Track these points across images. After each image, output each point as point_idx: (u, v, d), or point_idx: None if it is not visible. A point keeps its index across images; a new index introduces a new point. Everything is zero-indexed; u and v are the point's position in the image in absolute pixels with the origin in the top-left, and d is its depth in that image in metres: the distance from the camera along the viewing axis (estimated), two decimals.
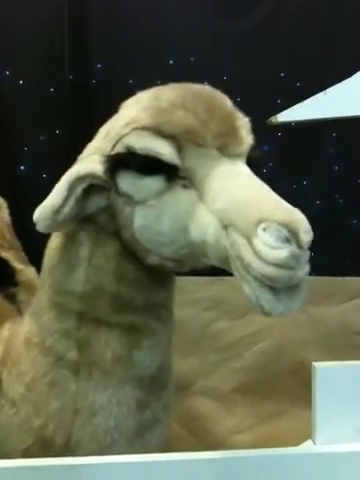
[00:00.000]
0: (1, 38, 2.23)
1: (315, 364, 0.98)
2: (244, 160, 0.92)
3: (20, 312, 1.25)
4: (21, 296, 1.32)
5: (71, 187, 0.92)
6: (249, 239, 0.78)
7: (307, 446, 1.00)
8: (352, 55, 2.24)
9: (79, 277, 0.96)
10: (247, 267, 0.78)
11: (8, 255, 1.51)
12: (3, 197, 1.74)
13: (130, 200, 0.90)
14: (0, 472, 0.87)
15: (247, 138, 0.93)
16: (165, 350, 1.03)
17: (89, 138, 2.30)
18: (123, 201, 0.91)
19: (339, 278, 2.47)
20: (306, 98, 2.25)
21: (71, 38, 2.24)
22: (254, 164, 0.95)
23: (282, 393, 2.50)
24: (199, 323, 2.60)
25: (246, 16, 2.29)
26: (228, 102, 0.95)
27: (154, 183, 0.87)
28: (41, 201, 2.45)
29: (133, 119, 0.91)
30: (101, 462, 0.87)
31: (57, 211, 0.91)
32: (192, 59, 2.33)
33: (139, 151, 0.88)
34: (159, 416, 1.02)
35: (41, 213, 0.92)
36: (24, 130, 2.32)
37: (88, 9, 2.21)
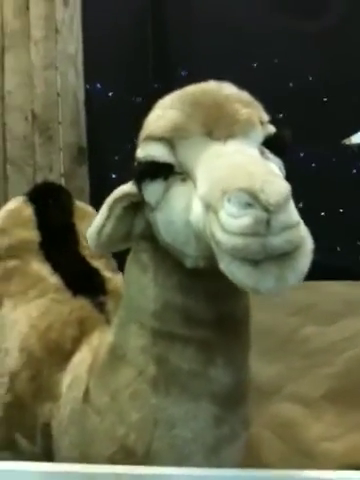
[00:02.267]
0: (92, 53, 2.34)
1: None
2: (245, 140, 0.87)
3: (108, 321, 1.31)
4: (110, 305, 1.38)
5: (110, 208, 0.97)
6: (216, 214, 0.75)
7: None
8: None
9: (149, 296, 0.99)
10: (218, 244, 0.75)
11: (99, 264, 1.58)
12: (97, 205, 1.83)
13: (151, 208, 0.93)
14: (88, 476, 0.93)
15: (244, 117, 0.87)
16: (241, 365, 1.03)
17: None
18: (149, 211, 0.94)
19: None
20: None
21: (155, 48, 2.29)
22: (279, 146, 0.92)
23: None
24: (286, 328, 2.56)
25: (329, 14, 2.23)
26: (225, 90, 0.93)
27: (158, 185, 0.89)
28: None
29: (141, 133, 0.96)
30: (181, 473, 0.91)
31: (99, 231, 0.97)
32: (276, 61, 2.31)
33: (142, 160, 0.91)
34: (237, 431, 1.03)
35: (89, 235, 1.00)
36: (114, 140, 2.42)
37: (171, 18, 2.26)
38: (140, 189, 0.93)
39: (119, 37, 2.32)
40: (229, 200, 0.73)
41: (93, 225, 1.00)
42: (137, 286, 1.02)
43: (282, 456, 2.19)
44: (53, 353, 1.26)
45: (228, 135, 0.87)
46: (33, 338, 1.31)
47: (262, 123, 0.92)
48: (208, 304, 0.97)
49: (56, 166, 2.39)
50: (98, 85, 2.38)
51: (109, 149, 2.43)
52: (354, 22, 2.23)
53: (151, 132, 0.91)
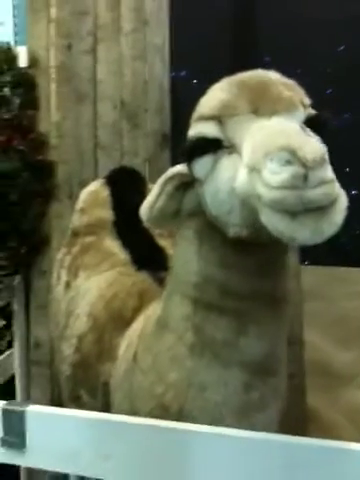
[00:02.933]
0: (178, 42, 2.44)
1: None
2: (288, 117, 0.94)
3: None
4: None
5: (162, 186, 1.07)
6: (259, 172, 0.82)
7: None
8: None
9: (192, 268, 1.08)
10: (260, 199, 0.82)
11: (166, 243, 1.69)
12: None
13: (201, 183, 1.00)
14: (130, 426, 1.05)
15: (286, 96, 0.95)
16: (274, 339, 1.08)
17: None
18: (198, 186, 1.02)
19: None
20: None
21: (239, 34, 2.34)
22: (319, 127, 0.96)
23: None
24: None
25: None
26: (270, 75, 1.01)
27: (207, 159, 0.97)
28: None
29: (193, 117, 1.05)
30: (207, 431, 1.00)
31: (151, 207, 1.07)
32: None
33: (192, 138, 1.00)
34: (267, 399, 1.09)
35: (142, 209, 1.10)
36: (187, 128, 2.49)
37: (255, 7, 2.29)
38: (190, 167, 1.02)
39: (204, 27, 2.40)
40: (271, 160, 0.81)
41: (146, 201, 1.10)
42: (182, 260, 1.12)
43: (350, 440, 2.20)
44: (115, 320, 1.40)
45: (272, 112, 0.94)
46: (100, 305, 1.46)
47: (304, 106, 0.99)
48: (245, 279, 1.05)
49: (141, 151, 2.53)
50: (183, 73, 2.48)
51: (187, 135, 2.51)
52: None
53: (201, 113, 1.02)
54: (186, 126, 2.55)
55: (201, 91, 2.52)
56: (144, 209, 1.09)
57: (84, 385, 1.43)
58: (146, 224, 1.10)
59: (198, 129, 1.00)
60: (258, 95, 0.95)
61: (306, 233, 0.80)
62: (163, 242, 1.69)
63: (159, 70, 2.51)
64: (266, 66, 2.37)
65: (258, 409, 1.08)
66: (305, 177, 0.78)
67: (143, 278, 1.47)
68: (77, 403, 1.42)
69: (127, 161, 2.51)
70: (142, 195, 1.87)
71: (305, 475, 0.94)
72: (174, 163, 2.56)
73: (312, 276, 2.30)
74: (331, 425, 2.32)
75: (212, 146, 0.96)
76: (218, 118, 0.96)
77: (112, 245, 1.66)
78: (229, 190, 0.94)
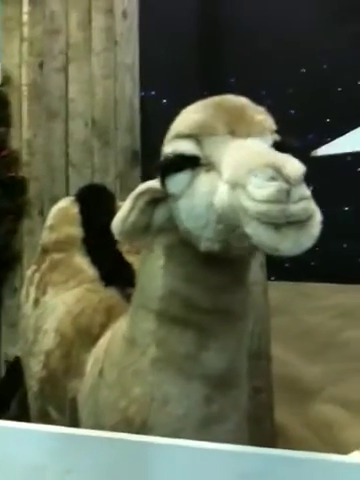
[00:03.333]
0: (148, 63, 2.49)
1: None
2: (260, 140, 1.00)
3: None
4: None
5: (134, 200, 1.10)
6: (244, 188, 0.87)
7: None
8: None
9: (157, 283, 1.11)
10: (246, 212, 0.87)
11: (134, 259, 1.72)
12: None
13: (175, 197, 1.04)
14: (93, 440, 1.07)
15: (259, 120, 1.02)
16: (233, 353, 1.12)
17: None
18: (172, 201, 1.06)
19: None
20: None
21: (206, 57, 2.41)
22: (284, 151, 0.99)
23: None
24: (327, 330, 2.58)
25: None
26: (241, 100, 1.06)
27: (184, 176, 1.01)
28: None
29: (168, 135, 1.09)
30: (169, 443, 1.02)
31: (123, 220, 1.09)
32: (325, 66, 2.36)
33: (169, 154, 1.03)
34: (226, 412, 1.12)
35: (113, 224, 1.12)
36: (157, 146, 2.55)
37: (222, 29, 2.36)
38: (164, 183, 1.05)
39: (173, 48, 2.46)
40: (256, 175, 0.86)
41: (118, 215, 1.12)
42: (149, 274, 1.15)
43: None
44: (82, 336, 1.41)
45: (247, 134, 1.01)
46: (67, 322, 1.47)
47: (271, 131, 1.05)
48: (208, 294, 1.09)
49: (112, 168, 2.57)
50: (152, 93, 2.53)
51: (161, 153, 2.56)
52: None
53: (178, 131, 1.05)
54: (156, 144, 2.60)
55: (170, 110, 2.58)
56: (116, 223, 1.11)
57: (52, 401, 1.44)
58: (117, 238, 1.12)
59: (175, 147, 1.04)
60: (234, 118, 1.02)
61: (288, 244, 0.85)
62: (131, 258, 1.71)
63: (129, 89, 2.56)
64: (231, 87, 2.45)
65: (218, 421, 1.11)
66: (288, 193, 0.84)
67: (110, 294, 1.49)
68: (45, 420, 1.43)
69: (98, 178, 2.55)
70: (111, 212, 1.90)
71: None
72: (144, 180, 2.60)
73: (277, 291, 2.36)
74: (299, 440, 2.36)
75: (190, 163, 1.01)
76: (195, 137, 1.01)
77: (81, 262, 1.68)
78: (207, 205, 0.98)
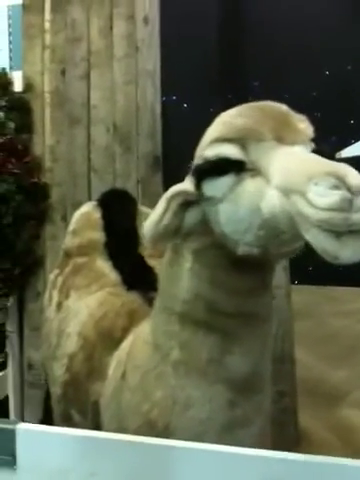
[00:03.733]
0: (169, 68, 2.51)
1: None
2: (304, 148, 1.01)
3: None
4: None
5: (168, 202, 1.09)
6: (304, 195, 0.87)
7: None
8: None
9: (183, 285, 1.12)
10: (306, 219, 0.87)
11: (156, 263, 1.73)
12: None
13: (214, 201, 1.04)
14: (116, 443, 1.07)
15: (302, 127, 1.03)
16: (258, 357, 1.11)
17: None
18: (209, 205, 1.05)
19: None
20: None
21: (228, 61, 2.41)
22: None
23: None
24: (353, 334, 2.54)
25: None
26: (283, 107, 1.06)
27: (228, 180, 1.01)
28: None
29: (207, 138, 1.08)
30: (192, 447, 1.02)
31: (157, 223, 1.08)
32: (349, 67, 2.34)
33: (212, 158, 1.02)
34: (250, 416, 1.11)
35: (146, 227, 1.11)
36: (187, 149, 2.55)
37: (244, 32, 2.36)
38: (199, 186, 1.06)
39: (194, 53, 2.47)
40: (316, 183, 0.87)
41: (151, 218, 1.11)
42: (174, 277, 1.15)
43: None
44: (105, 339, 1.42)
45: (293, 142, 1.02)
46: (90, 325, 1.48)
47: (311, 139, 1.06)
48: (233, 299, 1.09)
49: (133, 174, 2.58)
50: (174, 97, 2.54)
51: (182, 157, 2.57)
52: None
53: (222, 134, 1.04)
54: (177, 149, 2.61)
55: (191, 115, 2.58)
56: (149, 225, 1.10)
57: (75, 404, 1.45)
58: (149, 241, 1.12)
59: (218, 150, 1.03)
60: (280, 124, 1.02)
61: (348, 252, 0.86)
62: (153, 262, 1.72)
63: (150, 95, 2.57)
64: (254, 91, 2.44)
65: (241, 426, 1.11)
66: (351, 202, 0.84)
67: (133, 298, 1.50)
68: (68, 423, 1.44)
69: (120, 183, 2.56)
70: (133, 217, 1.93)
71: None
72: (166, 185, 2.62)
73: (301, 295, 2.34)
74: (322, 444, 2.33)
75: (234, 167, 1.01)
76: (241, 141, 1.01)
77: (103, 266, 1.69)
78: (252, 209, 0.98)
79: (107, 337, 1.42)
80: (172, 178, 2.76)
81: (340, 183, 0.84)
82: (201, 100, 2.50)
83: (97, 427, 1.36)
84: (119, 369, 1.28)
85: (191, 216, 1.10)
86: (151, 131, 2.58)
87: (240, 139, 1.01)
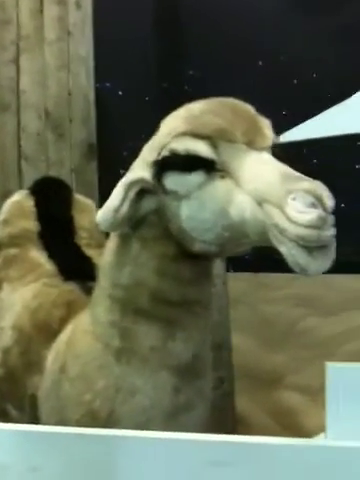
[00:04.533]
0: (102, 54, 2.45)
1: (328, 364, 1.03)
2: (269, 153, 1.04)
3: None
4: None
5: (126, 190, 1.05)
6: (281, 208, 0.89)
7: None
8: None
9: (126, 272, 1.10)
10: (283, 232, 0.90)
11: (94, 253, 1.69)
12: (106, 199, 1.95)
13: (176, 196, 1.02)
14: (58, 436, 1.04)
15: (270, 135, 1.05)
16: (199, 343, 1.12)
17: None
18: (170, 198, 1.04)
19: None
20: None
21: (164, 49, 2.39)
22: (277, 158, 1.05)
23: None
24: (287, 319, 2.63)
25: (334, 14, 2.28)
26: (251, 108, 1.07)
27: (196, 178, 1.00)
28: None
29: (172, 129, 1.04)
30: (136, 436, 1.01)
31: (116, 210, 1.04)
32: (281, 58, 2.38)
33: (182, 152, 1.00)
34: (194, 402, 1.12)
35: (103, 214, 1.06)
36: (123, 137, 2.53)
37: (179, 20, 2.35)
38: (160, 177, 1.04)
39: (128, 39, 2.43)
40: (294, 199, 0.90)
41: (108, 205, 1.07)
42: (116, 263, 1.13)
43: None
44: (41, 331, 1.38)
45: (261, 147, 1.03)
46: (25, 318, 1.43)
47: None
48: (178, 287, 1.09)
49: (67, 162, 2.52)
50: (107, 84, 2.49)
51: (117, 146, 2.54)
52: None
53: (193, 130, 1.01)
54: (112, 137, 2.57)
55: (126, 102, 2.54)
56: (107, 213, 1.05)
57: (11, 399, 1.40)
58: (105, 229, 1.09)
59: (188, 145, 1.01)
60: (251, 128, 1.02)
61: (316, 266, 0.90)
62: (91, 252, 1.69)
63: (84, 81, 2.51)
64: (190, 79, 2.43)
65: (185, 411, 1.11)
66: (325, 220, 0.89)
67: (70, 288, 1.46)
68: (4, 419, 1.39)
69: (53, 172, 2.49)
70: (68, 205, 1.88)
71: (233, 472, 0.98)
72: (101, 173, 2.58)
73: (236, 282, 2.38)
74: (260, 427, 2.39)
75: (204, 166, 1.00)
76: (212, 140, 1.00)
77: (38, 256, 1.63)
78: (219, 211, 0.99)
79: (43, 329, 1.38)
80: (107, 166, 2.73)
81: (317, 202, 0.89)
82: (136, 88, 2.47)
83: (35, 421, 1.33)
84: (58, 361, 1.24)
85: (146, 205, 1.08)
86: (85, 118, 2.52)
87: (212, 138, 0.99)
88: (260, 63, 2.39)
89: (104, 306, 1.13)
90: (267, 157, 1.02)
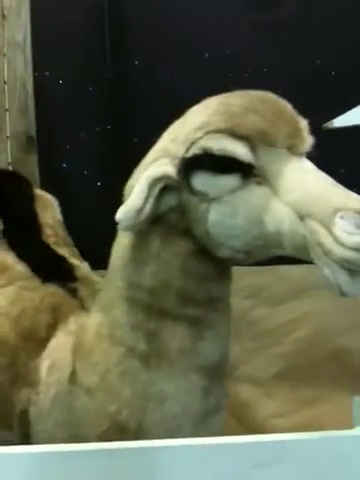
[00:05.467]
0: (41, 40, 2.29)
1: None
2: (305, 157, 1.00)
3: (83, 307, 1.31)
4: (82, 291, 1.39)
5: (150, 188, 0.97)
6: (328, 227, 0.84)
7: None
8: None
9: (148, 272, 1.03)
10: (328, 253, 0.84)
11: (64, 252, 1.58)
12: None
13: (205, 198, 0.96)
14: (79, 454, 0.94)
15: (309, 138, 1.00)
16: (224, 340, 1.10)
17: (128, 134, 2.36)
18: (197, 199, 0.97)
19: None
20: (341, 86, 2.27)
21: (109, 37, 2.28)
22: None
23: (321, 379, 2.55)
24: (239, 311, 2.64)
25: (281, 6, 2.30)
26: (290, 106, 1.02)
27: (230, 181, 0.94)
28: (83, 197, 2.50)
29: (205, 123, 0.96)
30: (171, 445, 0.94)
31: (140, 210, 0.96)
32: (227, 51, 2.35)
33: (217, 152, 0.93)
34: (221, 402, 1.09)
35: (125, 213, 0.97)
36: (65, 128, 2.39)
37: (125, 7, 2.25)
38: (187, 175, 0.96)
39: (70, 24, 2.29)
40: (342, 217, 0.84)
41: (131, 205, 0.98)
42: (135, 263, 1.05)
43: (235, 434, 2.29)
44: (28, 340, 1.26)
45: (302, 153, 0.98)
46: (6, 326, 1.30)
47: None
48: (203, 286, 1.04)
49: (4, 154, 2.34)
50: (47, 73, 2.34)
51: (59, 138, 2.40)
52: (308, 12, 2.29)
53: (234, 128, 0.94)
54: (53, 128, 2.41)
55: (67, 92, 2.39)
56: (129, 212, 0.96)
57: None
58: (126, 229, 1.00)
59: (224, 145, 0.93)
60: (293, 131, 0.96)
61: (356, 289, 0.86)
62: (61, 250, 1.57)
63: (21, 68, 2.34)
64: (134, 69, 2.35)
65: (213, 413, 1.07)
66: None
67: (53, 291, 1.34)
68: None
69: None
70: (31, 201, 1.73)
71: (275, 472, 0.95)
72: (41, 167, 2.41)
73: None
74: None
75: (241, 169, 0.93)
76: (251, 141, 0.93)
77: (5, 257, 1.49)
78: (254, 219, 0.93)
79: (30, 337, 1.26)
80: (48, 160, 2.56)
81: None
82: (79, 77, 2.34)
83: (26, 440, 1.21)
84: (61, 371, 1.14)
85: (166, 200, 1.01)
86: (23, 108, 2.35)
87: (249, 139, 0.93)
88: (206, 55, 2.34)
89: (122, 308, 1.05)
90: (309, 165, 0.97)
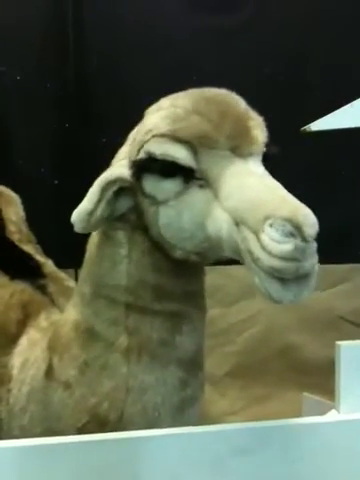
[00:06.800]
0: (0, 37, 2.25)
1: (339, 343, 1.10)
2: (258, 158, 0.97)
3: (53, 303, 1.31)
4: (51, 288, 1.38)
5: (103, 191, 0.99)
6: (257, 234, 0.83)
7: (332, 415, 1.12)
8: (337, 53, 2.35)
9: (122, 272, 1.04)
10: (256, 261, 0.83)
11: (29, 248, 1.56)
12: None
13: (154, 201, 0.98)
14: (60, 447, 0.95)
15: (260, 137, 0.98)
16: (200, 333, 1.12)
17: (86, 132, 2.34)
18: (148, 202, 0.99)
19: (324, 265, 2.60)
20: (288, 94, 2.34)
21: (67, 31, 2.26)
22: (270, 159, 1.00)
23: (271, 375, 2.63)
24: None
25: (233, 13, 2.35)
26: (242, 104, 1.00)
27: (173, 185, 0.95)
28: (40, 195, 2.46)
29: (153, 126, 0.98)
30: (151, 435, 0.97)
31: (90, 213, 0.98)
32: (188, 51, 2.36)
33: (159, 156, 0.94)
34: (197, 394, 1.12)
35: (77, 216, 0.99)
36: (21, 125, 2.35)
37: (87, 7, 2.24)
38: (139, 180, 0.97)
39: (29, 21, 2.26)
40: (271, 225, 0.82)
41: (83, 207, 0.99)
42: (108, 263, 1.06)
43: None
44: None
45: (249, 153, 0.95)
46: None
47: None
48: (177, 281, 1.06)
49: None
50: (3, 68, 2.30)
51: (14, 135, 2.36)
52: (259, 20, 2.35)
53: (173, 132, 0.94)
54: (8, 127, 2.35)
55: (25, 88, 2.35)
56: (81, 216, 0.98)
57: None
58: (80, 231, 1.00)
59: (167, 149, 0.93)
60: (238, 132, 0.94)
61: (290, 296, 0.84)
62: (25, 247, 1.56)
63: None
64: (93, 67, 2.33)
65: (190, 404, 1.10)
66: (304, 251, 0.81)
67: (22, 288, 1.33)
68: None
69: None
70: None
71: (256, 457, 0.99)
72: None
73: None
74: None
75: (182, 173, 0.93)
76: (192, 145, 0.92)
77: None
78: (197, 223, 0.93)
79: (0, 335, 1.24)
80: (3, 158, 2.50)
81: (296, 231, 0.81)
82: (37, 73, 2.31)
83: None
84: (35, 367, 1.13)
85: (124, 202, 1.02)
86: None
87: (190, 142, 0.93)
88: (167, 55, 2.35)
89: (100, 305, 1.07)
90: (253, 168, 0.94)
